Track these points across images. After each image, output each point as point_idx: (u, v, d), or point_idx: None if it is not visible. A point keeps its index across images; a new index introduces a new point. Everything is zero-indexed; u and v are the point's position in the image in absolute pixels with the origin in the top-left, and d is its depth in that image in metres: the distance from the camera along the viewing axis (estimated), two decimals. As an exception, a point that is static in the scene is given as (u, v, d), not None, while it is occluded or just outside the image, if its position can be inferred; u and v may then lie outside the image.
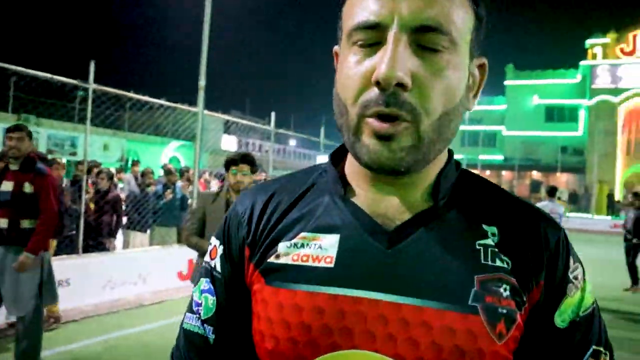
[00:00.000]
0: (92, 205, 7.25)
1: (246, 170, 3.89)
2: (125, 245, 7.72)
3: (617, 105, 34.39)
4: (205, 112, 9.16)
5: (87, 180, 7.08)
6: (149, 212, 7.83)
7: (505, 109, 38.62)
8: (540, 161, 37.57)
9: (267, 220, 0.79)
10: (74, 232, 6.77)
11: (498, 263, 0.72)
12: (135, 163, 10.50)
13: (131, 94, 7.91)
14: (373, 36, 0.69)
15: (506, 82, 38.81)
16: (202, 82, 8.62)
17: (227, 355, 0.82)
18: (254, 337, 0.77)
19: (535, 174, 37.84)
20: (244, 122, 10.55)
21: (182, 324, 0.85)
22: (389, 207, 0.75)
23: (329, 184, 0.80)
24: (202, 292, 0.83)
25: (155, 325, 5.90)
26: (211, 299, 0.81)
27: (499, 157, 37.83)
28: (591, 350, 0.75)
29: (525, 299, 0.72)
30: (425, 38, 0.68)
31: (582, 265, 0.79)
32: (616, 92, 34.28)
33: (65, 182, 8.29)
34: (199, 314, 0.82)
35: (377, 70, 0.66)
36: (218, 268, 0.82)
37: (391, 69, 0.65)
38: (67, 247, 6.75)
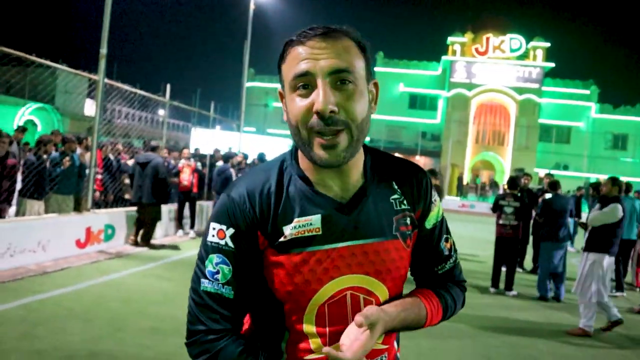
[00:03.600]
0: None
1: None
2: (21, 213, 7.51)
3: (471, 99, 37.70)
4: (72, 70, 8.90)
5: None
6: (46, 180, 7.67)
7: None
8: (402, 144, 39.76)
9: (267, 209, 1.13)
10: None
11: (402, 207, 1.20)
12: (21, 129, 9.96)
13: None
14: (306, 80, 1.05)
15: (375, 69, 40.07)
16: (103, 50, 8.52)
17: (243, 305, 1.16)
18: (271, 286, 1.14)
19: (398, 156, 40.44)
20: (133, 90, 10.33)
21: (198, 289, 1.13)
22: (339, 189, 1.16)
23: (295, 178, 1.16)
24: (216, 264, 1.13)
25: (69, 290, 6.00)
26: (227, 268, 1.12)
27: (366, 139, 39.72)
28: (444, 237, 1.30)
29: (416, 222, 1.23)
30: (339, 76, 1.05)
31: (437, 194, 1.32)
32: (470, 86, 37.56)
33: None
34: (218, 280, 1.12)
35: (315, 105, 1.03)
36: (230, 244, 1.12)
37: (325, 104, 1.02)
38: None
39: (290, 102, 1.09)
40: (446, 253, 1.31)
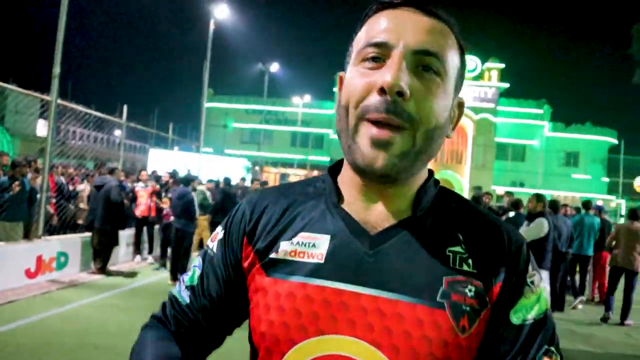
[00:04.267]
0: None
1: None
2: (-36, 241, 7.03)
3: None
4: (23, 90, 8.58)
5: None
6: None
7: (333, 114, 40.63)
8: None
9: (268, 220, 0.89)
10: None
11: (465, 267, 0.81)
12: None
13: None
14: (380, 52, 0.78)
15: (335, 89, 40.72)
16: (56, 70, 8.20)
17: (196, 320, 0.92)
18: (250, 322, 0.87)
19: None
20: (88, 111, 9.96)
21: (169, 291, 0.99)
22: (374, 214, 0.84)
23: (326, 192, 0.90)
24: (193, 266, 0.97)
25: (18, 324, 5.58)
26: (198, 272, 0.94)
27: (326, 159, 39.79)
28: (544, 348, 0.81)
29: (487, 299, 0.80)
30: (424, 60, 0.78)
31: (540, 275, 0.87)
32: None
33: None
34: (184, 281, 0.95)
35: (382, 78, 0.75)
36: (214, 249, 0.94)
37: (395, 78, 0.74)
38: None
39: (350, 75, 0.82)
40: None
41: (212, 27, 17.18)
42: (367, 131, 0.78)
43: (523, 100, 39.49)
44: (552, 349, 0.82)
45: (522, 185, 37.99)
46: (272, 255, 0.86)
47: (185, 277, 0.96)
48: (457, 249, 0.83)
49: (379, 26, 0.81)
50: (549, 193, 35.41)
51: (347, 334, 0.78)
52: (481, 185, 33.73)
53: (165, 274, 9.07)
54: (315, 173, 40.93)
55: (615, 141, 38.46)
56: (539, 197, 6.62)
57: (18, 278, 7.20)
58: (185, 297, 0.94)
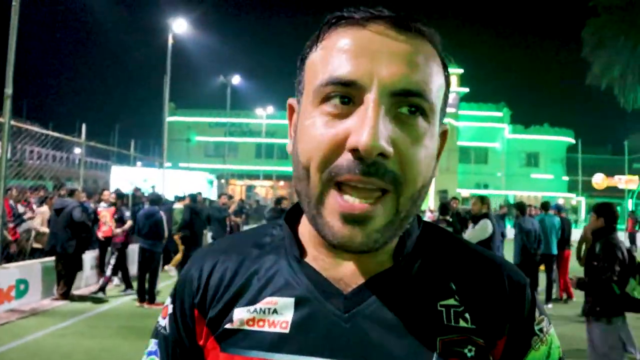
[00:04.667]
0: None
1: None
2: None
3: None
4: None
5: None
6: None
7: (298, 124, 40.74)
8: None
9: (218, 282, 0.75)
10: None
11: (462, 324, 0.68)
12: None
13: None
14: (347, 92, 0.62)
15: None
16: (9, 90, 7.88)
17: None
18: None
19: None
20: (45, 131, 9.66)
21: None
22: (347, 269, 0.70)
23: (284, 245, 0.75)
24: (148, 354, 0.80)
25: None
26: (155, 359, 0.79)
27: (291, 169, 39.78)
28: None
29: (490, 357, 0.69)
30: (406, 101, 0.62)
31: (547, 318, 0.75)
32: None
33: None
34: None
35: (355, 138, 0.59)
36: (167, 327, 0.79)
37: (374, 138, 0.58)
38: None
39: (306, 121, 0.65)
40: None
41: (170, 41, 16.95)
42: (337, 203, 0.62)
43: (483, 104, 40.38)
44: None
45: (486, 187, 38.73)
46: (227, 326, 0.71)
47: None
48: (451, 301, 0.69)
49: (342, 55, 0.63)
50: (512, 194, 36.26)
51: None
52: (447, 188, 34.32)
53: (132, 296, 8.80)
54: (282, 184, 40.92)
55: (573, 141, 39.63)
56: (483, 199, 6.74)
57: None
58: None
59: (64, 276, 8.30)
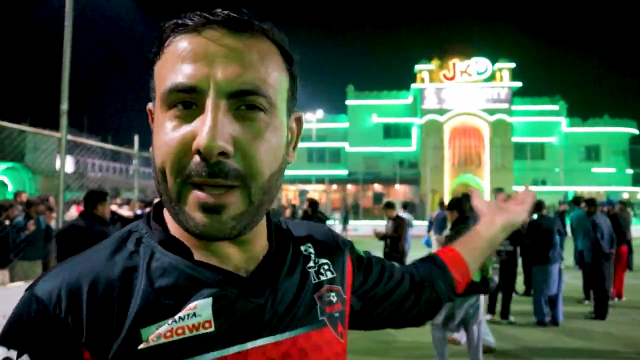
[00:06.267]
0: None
1: None
2: (-16, 284, 7.07)
3: (443, 124, 37.92)
4: (41, 131, 8.65)
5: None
6: (10, 247, 7.27)
7: (347, 127, 40.52)
8: (380, 174, 39.59)
9: (105, 307, 0.66)
10: None
11: (322, 277, 0.84)
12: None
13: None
14: (189, 97, 0.66)
15: (347, 102, 40.81)
16: (64, 106, 8.24)
17: None
18: None
19: (377, 187, 40.51)
20: (100, 144, 10.07)
21: None
22: (235, 259, 0.75)
23: (163, 249, 0.73)
24: None
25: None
26: None
27: (344, 172, 39.71)
28: (387, 274, 1.02)
29: (344, 295, 0.87)
30: (243, 100, 0.67)
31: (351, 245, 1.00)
32: (442, 112, 37.83)
33: None
34: None
35: (197, 139, 0.64)
36: None
37: (212, 138, 0.62)
38: None
39: (158, 126, 0.69)
40: (407, 286, 1.04)
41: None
42: (194, 196, 0.67)
43: (537, 98, 39.08)
44: (385, 265, 1.04)
45: (544, 183, 37.43)
46: (142, 347, 0.66)
47: None
48: (311, 263, 0.85)
49: (181, 61, 0.67)
50: (571, 189, 34.82)
51: None
52: (502, 186, 33.37)
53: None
54: (335, 187, 40.98)
55: (636, 131, 37.81)
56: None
57: (40, 317, 7.19)
58: None
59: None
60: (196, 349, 0.68)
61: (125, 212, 8.62)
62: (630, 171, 37.97)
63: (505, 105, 37.41)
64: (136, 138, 10.93)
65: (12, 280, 7.43)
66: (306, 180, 39.43)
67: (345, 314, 0.87)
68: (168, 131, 0.67)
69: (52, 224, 8.09)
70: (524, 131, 38.46)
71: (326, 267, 0.87)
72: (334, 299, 0.84)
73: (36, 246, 7.62)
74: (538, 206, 7.92)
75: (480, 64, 37.76)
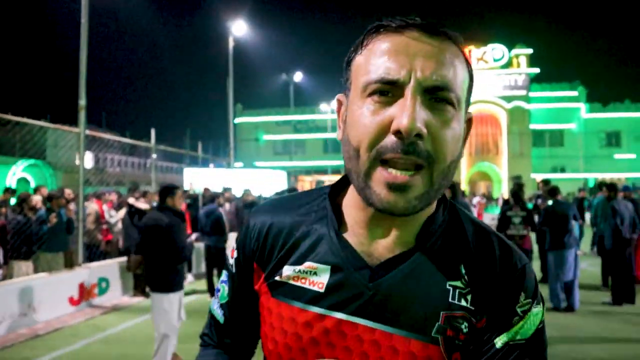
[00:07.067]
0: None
1: None
2: (9, 276, 7.27)
3: (460, 112, 37.91)
4: (60, 126, 8.80)
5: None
6: (33, 239, 7.45)
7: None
8: None
9: (273, 243, 0.91)
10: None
11: (463, 303, 0.82)
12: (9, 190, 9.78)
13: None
14: (389, 89, 0.76)
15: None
16: (82, 102, 8.41)
17: (235, 334, 1.01)
18: (261, 334, 0.93)
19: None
20: (117, 138, 10.26)
21: (209, 305, 1.07)
22: (377, 245, 0.85)
23: (327, 216, 0.90)
24: (222, 282, 1.02)
25: (64, 352, 5.73)
26: (227, 288, 1.00)
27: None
28: None
29: (475, 330, 0.82)
30: (437, 94, 0.76)
31: (535, 301, 0.85)
32: (458, 99, 37.76)
33: None
34: (218, 299, 1.03)
35: (397, 121, 0.73)
36: (233, 268, 0.99)
37: (412, 121, 0.72)
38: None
39: (356, 111, 0.80)
40: None
41: (231, 44, 17.41)
42: (383, 175, 0.76)
43: (556, 84, 38.48)
44: None
45: (563, 170, 36.99)
46: (277, 278, 0.89)
47: (218, 294, 1.03)
48: (458, 283, 0.83)
49: (385, 57, 0.77)
50: (592, 176, 34.39)
51: None
52: (520, 174, 33.07)
53: (203, 292, 9.16)
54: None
55: (658, 116, 37.01)
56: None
57: (62, 306, 7.40)
58: (220, 315, 1.02)
59: (141, 275, 8.76)
60: (307, 299, 0.85)
61: (142, 205, 8.77)
62: (652, 157, 37.31)
63: (523, 92, 36.94)
64: (152, 132, 11.10)
65: (35, 271, 7.64)
66: (322, 170, 39.48)
67: (468, 350, 0.82)
68: (367, 115, 0.77)
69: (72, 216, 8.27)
70: (543, 118, 37.96)
71: (470, 297, 0.82)
72: (464, 329, 0.81)
73: (58, 238, 7.81)
74: (552, 191, 7.87)
75: (496, 50, 37.27)
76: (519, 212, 7.65)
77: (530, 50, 37.16)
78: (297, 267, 0.87)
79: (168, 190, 5.01)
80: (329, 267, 0.85)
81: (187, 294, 9.19)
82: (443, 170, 0.78)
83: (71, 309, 7.54)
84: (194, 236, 9.16)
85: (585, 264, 11.17)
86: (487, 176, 38.78)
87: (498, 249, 0.86)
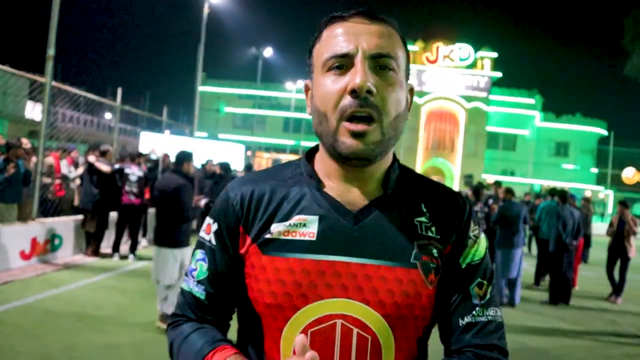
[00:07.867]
0: None
1: None
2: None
3: (421, 106, 38.15)
4: (15, 71, 8.46)
5: None
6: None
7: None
8: None
9: (257, 206, 1.01)
10: None
11: (429, 234, 1.01)
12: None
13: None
14: (343, 62, 0.95)
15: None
16: (51, 51, 8.15)
17: (216, 308, 1.05)
18: (250, 295, 1.00)
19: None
20: (83, 93, 9.87)
21: (181, 287, 1.10)
22: (352, 196, 1.01)
23: (305, 177, 1.04)
24: (197, 260, 1.06)
25: (15, 305, 5.64)
26: (205, 266, 1.05)
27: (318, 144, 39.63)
28: (477, 281, 1.03)
29: (444, 256, 1.02)
30: (380, 61, 0.95)
31: (479, 227, 1.10)
32: (421, 94, 37.95)
33: None
34: (194, 277, 1.06)
35: (352, 82, 0.92)
36: (213, 241, 1.04)
37: (363, 80, 0.91)
38: None
39: (320, 84, 0.98)
40: (475, 301, 1.02)
41: (206, 10, 17.07)
42: (346, 127, 0.94)
43: (515, 90, 39.61)
44: (484, 281, 1.04)
45: (512, 174, 38.27)
46: (267, 236, 0.99)
47: (194, 272, 1.06)
48: (423, 219, 1.02)
49: (337, 38, 0.97)
50: (538, 182, 35.75)
51: (341, 297, 0.95)
52: (472, 173, 34.01)
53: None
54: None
55: (605, 132, 38.72)
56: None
57: (13, 259, 7.24)
58: (200, 291, 1.05)
59: (94, 234, 8.65)
60: (300, 249, 0.97)
61: (103, 166, 8.61)
62: (595, 170, 39.11)
63: (484, 94, 37.85)
64: (119, 90, 10.79)
65: (-13, 221, 7.42)
66: (281, 149, 39.38)
67: (439, 272, 1.01)
68: (329, 84, 0.96)
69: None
70: (499, 121, 39.07)
71: (435, 229, 1.02)
72: (435, 254, 1.00)
73: (14, 189, 7.58)
74: (509, 192, 8.25)
75: (463, 50, 37.94)
76: (483, 209, 8.06)
77: (495, 54, 38.03)
78: (287, 222, 0.99)
79: (185, 156, 5.43)
80: (317, 217, 0.98)
81: (144, 258, 9.15)
82: (390, 123, 0.96)
83: (22, 262, 7.39)
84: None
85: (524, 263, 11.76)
86: (440, 172, 39.67)
87: (445, 190, 1.09)
